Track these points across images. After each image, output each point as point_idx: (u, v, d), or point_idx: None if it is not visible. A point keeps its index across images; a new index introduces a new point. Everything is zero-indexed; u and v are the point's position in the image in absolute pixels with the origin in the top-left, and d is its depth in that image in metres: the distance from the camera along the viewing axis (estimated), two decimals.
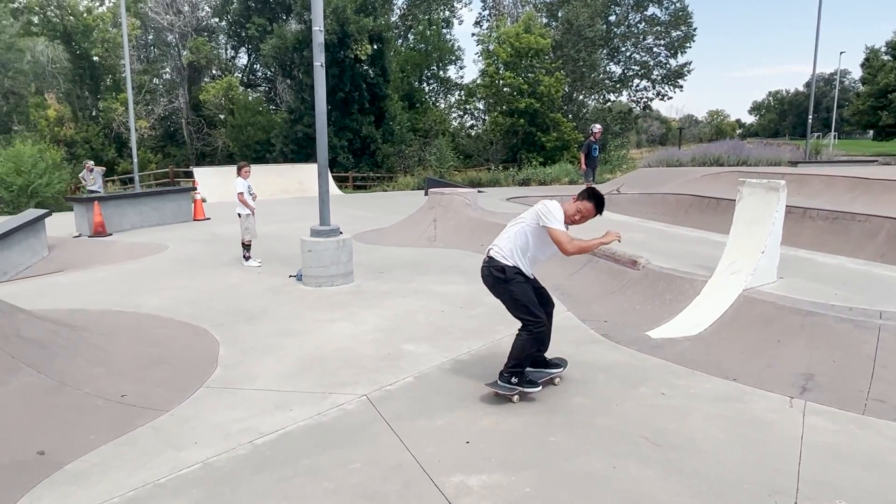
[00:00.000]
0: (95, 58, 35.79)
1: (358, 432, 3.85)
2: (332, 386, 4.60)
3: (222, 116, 36.68)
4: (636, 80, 42.97)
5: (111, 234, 13.37)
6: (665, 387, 4.49)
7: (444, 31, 44.55)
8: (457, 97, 44.76)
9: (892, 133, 36.55)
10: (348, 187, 29.07)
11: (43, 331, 4.96)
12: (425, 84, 44.69)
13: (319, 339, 5.73)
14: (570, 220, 4.36)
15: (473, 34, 45.66)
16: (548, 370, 4.59)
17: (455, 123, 43.25)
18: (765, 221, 5.83)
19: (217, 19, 41.11)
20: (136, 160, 20.92)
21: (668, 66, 41.93)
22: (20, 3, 35.17)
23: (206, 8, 40.29)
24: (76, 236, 13.47)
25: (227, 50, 43.09)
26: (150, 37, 39.44)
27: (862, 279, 6.06)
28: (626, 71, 42.77)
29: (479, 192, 16.43)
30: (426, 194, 18.03)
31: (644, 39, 41.60)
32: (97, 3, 37.08)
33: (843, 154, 41.86)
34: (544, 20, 39.64)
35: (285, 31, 32.63)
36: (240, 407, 4.26)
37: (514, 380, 4.25)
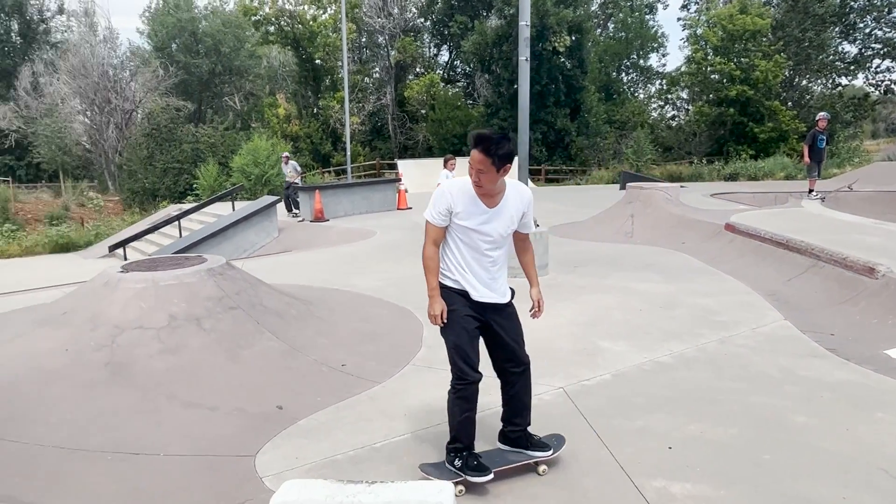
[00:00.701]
0: (318, 61, 39.88)
1: (556, 424, 3.88)
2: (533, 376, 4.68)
3: (424, 111, 38.79)
4: (876, 60, 37.19)
5: (328, 220, 14.89)
6: None
7: (648, 17, 42.48)
8: (658, 87, 42.52)
9: None
10: (540, 180, 29.14)
11: (280, 302, 5.70)
12: (624, 74, 43.09)
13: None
14: (476, 186, 3.08)
15: (679, 18, 42.97)
16: (528, 452, 3.34)
17: (654, 114, 41.15)
18: None
19: (422, 19, 43.47)
20: (349, 153, 23.00)
21: None
22: (260, 15, 40.32)
23: (413, 9, 42.78)
24: (300, 220, 15.21)
25: (430, 48, 45.40)
26: (364, 39, 42.89)
27: None
28: (863, 50, 37.20)
29: (681, 187, 15.53)
30: (622, 188, 17.46)
31: (890, 12, 35.83)
32: (321, 12, 41.21)
33: None
34: None
35: (485, 27, 33.49)
36: (442, 386, 4.49)
37: (457, 462, 3.15)
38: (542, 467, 3.33)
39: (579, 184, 27.17)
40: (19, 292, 8.03)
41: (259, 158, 23.75)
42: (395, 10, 39.59)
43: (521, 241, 3.50)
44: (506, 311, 3.32)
